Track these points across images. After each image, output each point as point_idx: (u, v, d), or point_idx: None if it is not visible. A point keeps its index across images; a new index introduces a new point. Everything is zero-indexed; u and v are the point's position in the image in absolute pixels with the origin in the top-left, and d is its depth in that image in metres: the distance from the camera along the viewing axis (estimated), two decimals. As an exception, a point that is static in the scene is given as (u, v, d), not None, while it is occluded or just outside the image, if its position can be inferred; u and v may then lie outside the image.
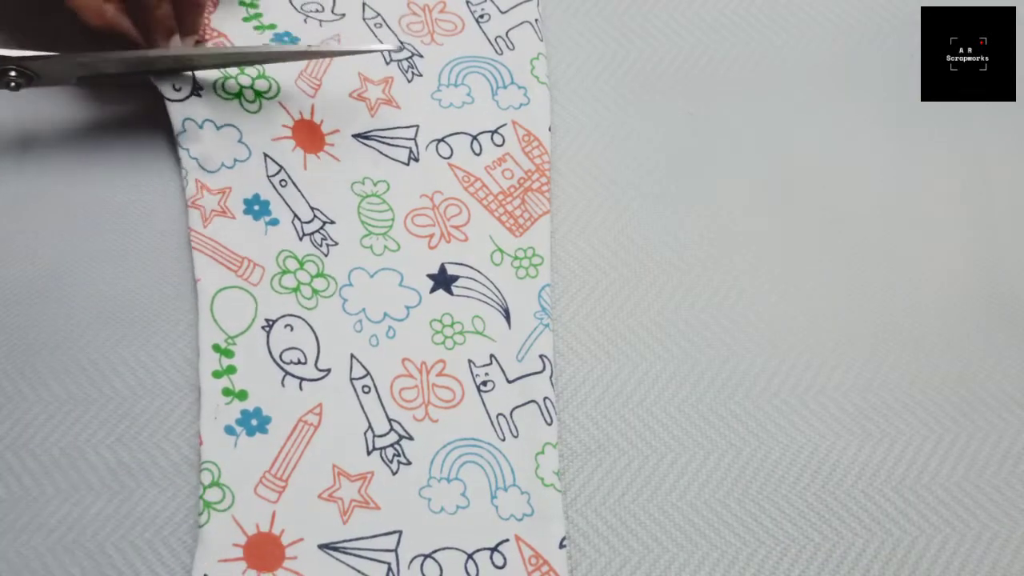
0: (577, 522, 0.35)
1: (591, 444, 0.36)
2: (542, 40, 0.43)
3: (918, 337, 0.39)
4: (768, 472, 0.36)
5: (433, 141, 0.41)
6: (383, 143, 0.40)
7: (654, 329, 0.38)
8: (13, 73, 0.36)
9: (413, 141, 0.40)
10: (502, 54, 0.43)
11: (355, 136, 0.40)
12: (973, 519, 0.35)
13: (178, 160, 0.40)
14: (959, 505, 0.36)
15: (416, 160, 0.40)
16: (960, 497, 0.36)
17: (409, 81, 0.41)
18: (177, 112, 0.38)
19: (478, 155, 0.41)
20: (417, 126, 0.41)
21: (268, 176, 0.39)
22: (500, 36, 0.43)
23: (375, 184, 0.39)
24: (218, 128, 0.39)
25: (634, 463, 0.36)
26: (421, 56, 0.42)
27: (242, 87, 0.39)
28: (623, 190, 0.41)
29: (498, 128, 0.41)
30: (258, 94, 0.39)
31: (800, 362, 0.38)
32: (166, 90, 0.38)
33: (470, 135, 0.41)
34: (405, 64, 0.42)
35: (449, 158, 0.40)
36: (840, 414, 0.37)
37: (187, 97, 0.38)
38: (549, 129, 0.42)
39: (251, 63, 0.38)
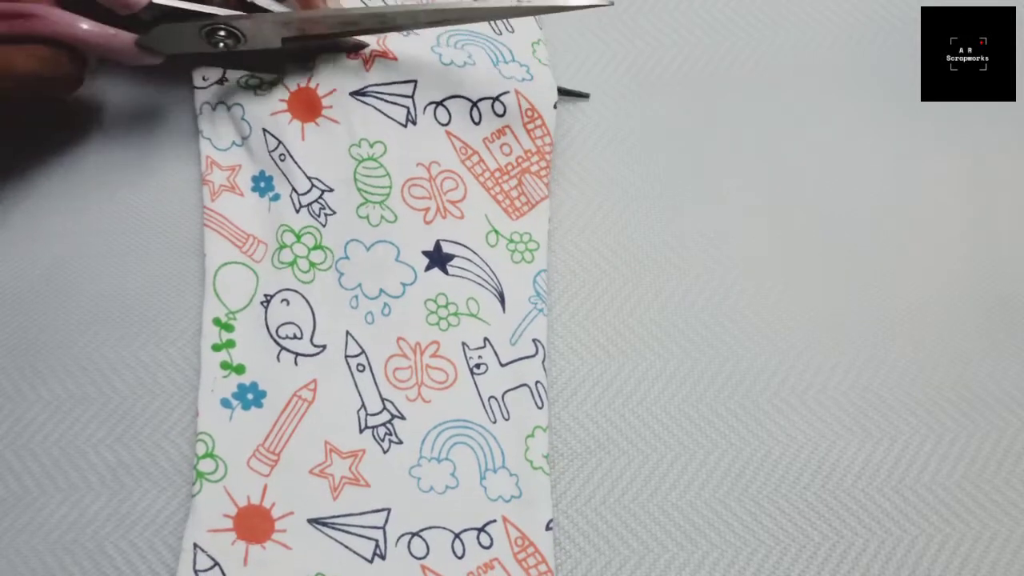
0: (577, 521, 0.35)
1: (590, 443, 0.36)
2: (542, 29, 0.43)
3: (918, 337, 0.39)
4: (768, 472, 0.36)
5: (432, 104, 0.39)
6: (380, 99, 0.39)
7: (654, 328, 0.38)
8: (222, 33, 0.36)
9: (411, 99, 0.39)
10: (501, 35, 0.41)
11: (352, 94, 0.39)
12: (973, 519, 0.35)
13: (180, 161, 0.41)
14: (959, 505, 0.36)
15: (414, 123, 0.39)
16: (960, 497, 0.36)
17: (405, 36, 0.40)
18: (199, 97, 0.40)
19: (477, 124, 0.39)
20: (415, 82, 0.39)
21: (269, 152, 0.39)
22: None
23: (371, 146, 0.38)
24: (228, 108, 0.39)
25: (634, 462, 0.36)
26: None
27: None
28: (623, 190, 0.41)
29: (500, 96, 0.39)
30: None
31: (800, 362, 0.38)
32: (196, 79, 0.40)
33: (470, 100, 0.39)
34: None
35: (447, 125, 0.39)
36: (840, 414, 0.37)
37: (210, 85, 0.40)
38: (555, 107, 0.40)
39: (458, 21, 0.37)
